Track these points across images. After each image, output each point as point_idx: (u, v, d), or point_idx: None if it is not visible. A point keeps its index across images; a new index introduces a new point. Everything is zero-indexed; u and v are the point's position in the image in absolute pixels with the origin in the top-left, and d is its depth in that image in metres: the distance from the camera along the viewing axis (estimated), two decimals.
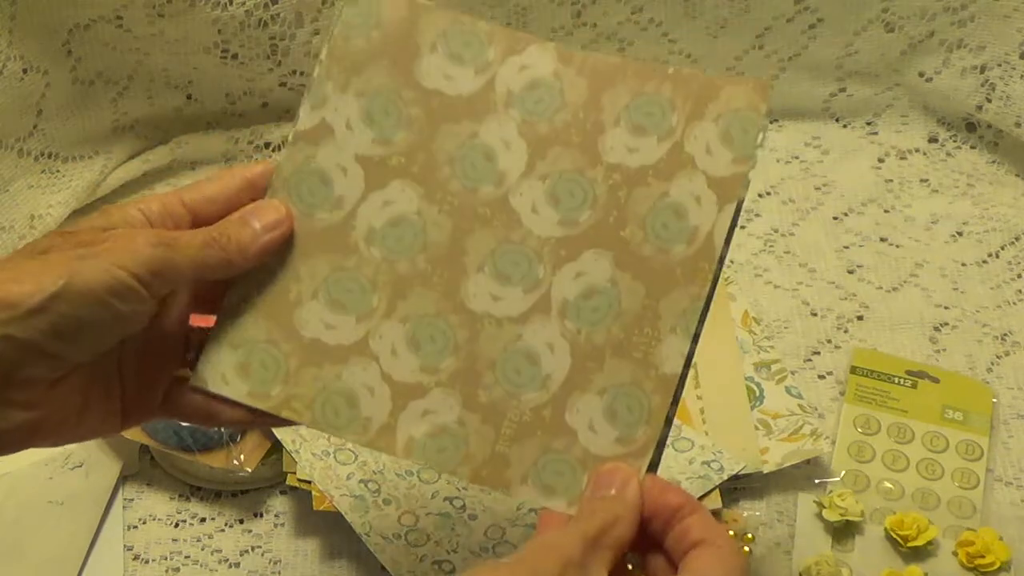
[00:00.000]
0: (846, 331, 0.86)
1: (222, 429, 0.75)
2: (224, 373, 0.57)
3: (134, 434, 0.75)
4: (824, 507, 0.74)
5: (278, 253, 0.57)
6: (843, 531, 0.74)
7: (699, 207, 0.58)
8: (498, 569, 0.49)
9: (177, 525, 0.75)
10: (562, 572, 0.49)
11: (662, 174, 0.58)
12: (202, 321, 0.58)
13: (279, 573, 0.73)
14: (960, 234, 0.92)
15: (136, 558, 0.74)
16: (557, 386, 0.57)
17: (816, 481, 0.77)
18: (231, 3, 0.87)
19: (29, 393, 0.50)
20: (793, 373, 0.82)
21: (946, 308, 0.87)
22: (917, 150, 0.98)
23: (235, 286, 0.57)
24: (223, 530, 0.75)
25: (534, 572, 0.49)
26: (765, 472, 0.76)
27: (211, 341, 0.57)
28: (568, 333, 0.57)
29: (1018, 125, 0.93)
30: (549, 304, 0.57)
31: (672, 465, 0.74)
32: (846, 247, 0.91)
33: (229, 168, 0.59)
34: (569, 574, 0.49)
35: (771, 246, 0.91)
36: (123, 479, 0.77)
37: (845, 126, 0.99)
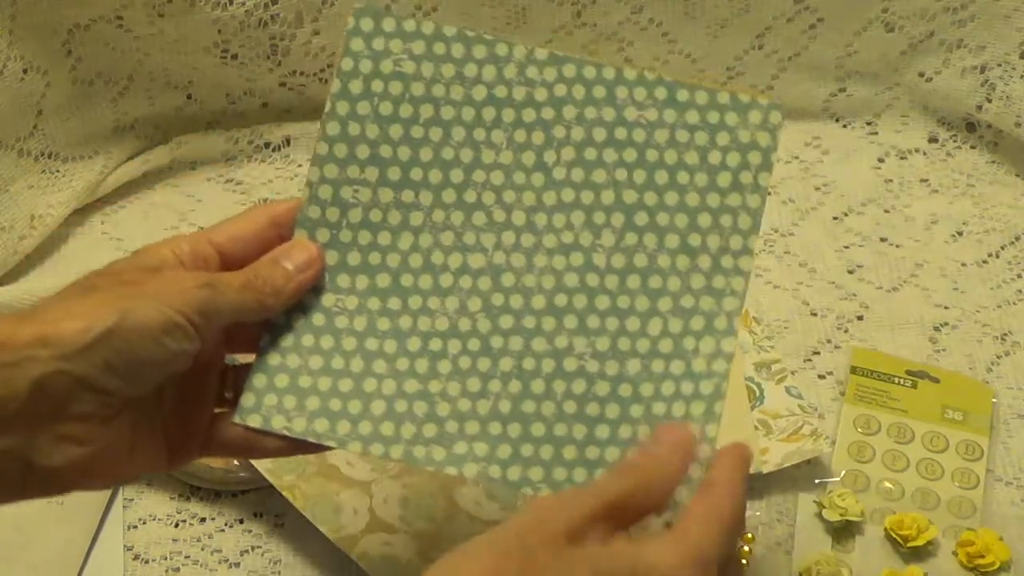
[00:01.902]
0: (846, 331, 0.86)
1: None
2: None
3: None
4: (824, 507, 0.74)
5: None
6: (843, 531, 0.74)
7: None
8: (477, 551, 0.49)
9: (177, 525, 0.75)
10: (553, 543, 0.48)
11: None
12: (240, 358, 0.59)
13: (279, 573, 0.73)
14: (960, 234, 0.92)
15: (136, 558, 0.74)
16: None
17: (816, 481, 0.77)
18: (231, 3, 0.87)
19: (81, 429, 0.51)
20: (793, 373, 0.82)
21: (946, 308, 0.87)
22: (917, 150, 0.98)
23: (273, 325, 0.58)
24: (223, 530, 0.75)
25: (521, 545, 0.49)
26: (765, 472, 0.76)
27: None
28: None
29: (1018, 125, 0.93)
30: None
31: None
32: (846, 247, 0.91)
33: (254, 206, 0.60)
34: (559, 546, 0.48)
35: (771, 246, 0.91)
36: None
37: (845, 126, 0.99)
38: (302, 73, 0.93)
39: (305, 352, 0.58)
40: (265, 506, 0.76)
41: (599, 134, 0.59)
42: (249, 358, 0.59)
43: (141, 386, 0.53)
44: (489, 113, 0.59)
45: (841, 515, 0.74)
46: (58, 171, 0.90)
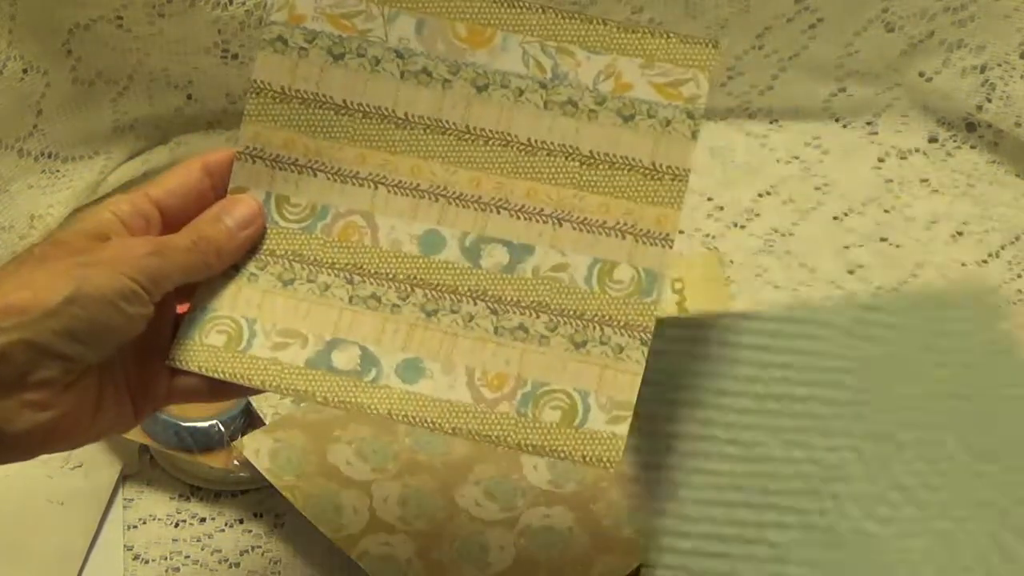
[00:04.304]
0: None
1: (221, 429, 0.75)
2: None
3: (134, 434, 0.75)
4: None
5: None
6: None
7: None
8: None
9: (177, 525, 0.75)
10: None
11: None
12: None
13: (279, 573, 0.73)
14: (960, 234, 0.92)
15: (136, 558, 0.74)
16: None
17: None
18: (231, 3, 0.87)
19: (44, 394, 0.52)
20: None
21: None
22: (917, 150, 0.98)
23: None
24: (223, 530, 0.75)
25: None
26: None
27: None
28: None
29: (1018, 125, 0.93)
30: None
31: None
32: (846, 247, 0.91)
33: (191, 158, 0.60)
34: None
35: (771, 246, 0.91)
36: (123, 479, 0.77)
37: (845, 126, 0.99)
38: None
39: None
40: (265, 506, 0.76)
41: None
42: None
43: (101, 351, 0.54)
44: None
45: None
46: (58, 171, 0.90)
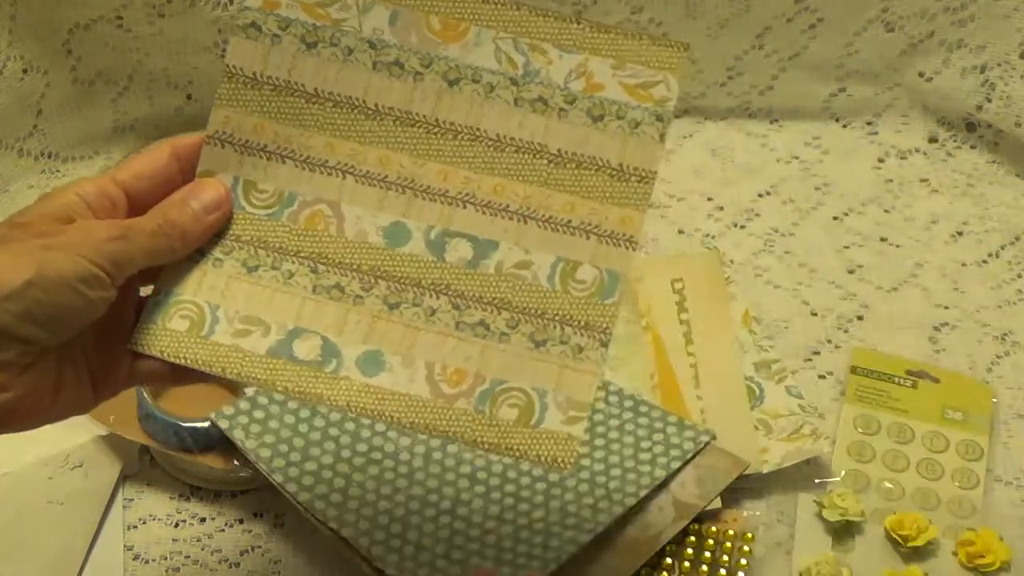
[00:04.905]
0: (846, 331, 0.86)
1: (221, 427, 0.75)
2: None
3: (134, 434, 0.75)
4: (824, 507, 0.74)
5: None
6: (843, 531, 0.74)
7: None
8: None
9: (177, 525, 0.75)
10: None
11: None
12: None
13: (279, 573, 0.73)
14: (960, 234, 0.92)
15: (136, 558, 0.74)
16: None
17: (816, 481, 0.77)
18: (231, 3, 0.87)
19: (2, 376, 0.52)
20: (793, 373, 0.82)
21: (946, 308, 0.87)
22: (917, 150, 0.98)
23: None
24: (223, 530, 0.75)
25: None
26: (765, 472, 0.76)
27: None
28: None
29: (1018, 125, 0.93)
30: None
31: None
32: (846, 247, 0.91)
33: (160, 141, 0.60)
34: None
35: (771, 246, 0.91)
36: (123, 479, 0.77)
37: (845, 126, 0.99)
38: None
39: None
40: (265, 506, 0.76)
41: None
42: None
43: (61, 334, 0.53)
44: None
45: (841, 515, 0.73)
46: (58, 171, 0.90)
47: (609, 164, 0.57)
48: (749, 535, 0.73)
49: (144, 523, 0.75)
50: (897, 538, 0.73)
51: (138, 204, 0.57)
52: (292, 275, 0.58)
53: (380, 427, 0.75)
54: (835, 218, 0.93)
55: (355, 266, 0.58)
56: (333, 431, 0.74)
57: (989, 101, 0.95)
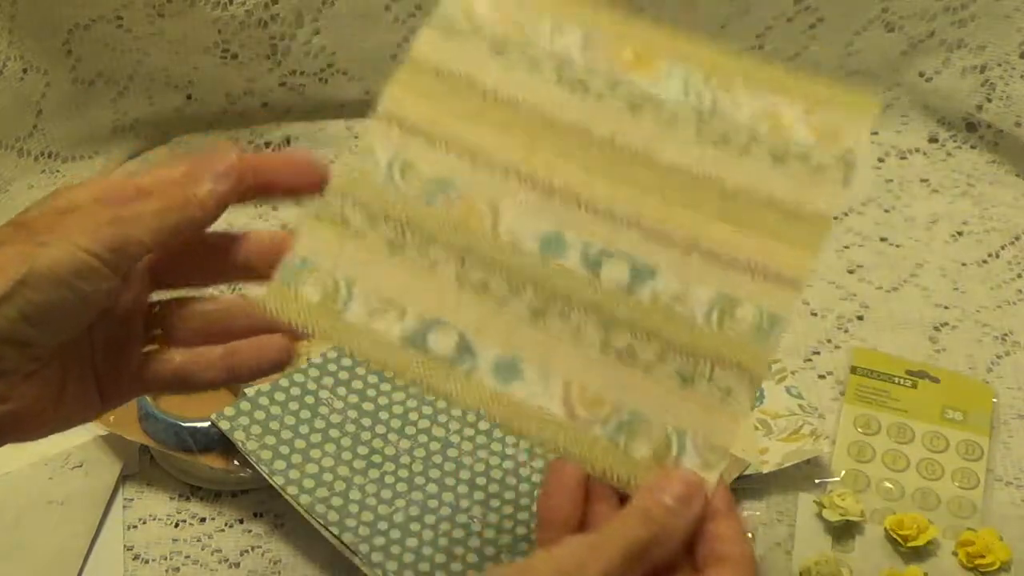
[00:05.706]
0: (846, 331, 0.86)
1: (222, 428, 0.75)
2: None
3: (134, 434, 0.75)
4: (824, 507, 0.74)
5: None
6: (843, 531, 0.74)
7: None
8: None
9: (177, 525, 0.75)
10: None
11: None
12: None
13: (279, 573, 0.73)
14: (960, 234, 0.92)
15: (136, 558, 0.74)
16: None
17: (816, 481, 0.77)
18: (231, 3, 0.87)
19: (2, 386, 0.50)
20: (793, 373, 0.82)
21: (946, 308, 0.87)
22: (917, 150, 0.98)
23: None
24: (223, 530, 0.75)
25: None
26: (765, 472, 0.76)
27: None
28: None
29: (1018, 125, 0.93)
30: None
31: None
32: (846, 247, 0.91)
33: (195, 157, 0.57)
34: None
35: None
36: (123, 479, 0.77)
37: None
38: (302, 73, 0.92)
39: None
40: (265, 506, 0.76)
41: None
42: (174, 294, 0.57)
43: (61, 333, 0.51)
44: None
45: (841, 515, 0.74)
46: (58, 171, 0.90)
47: (784, 204, 0.55)
48: (749, 535, 0.73)
49: (144, 523, 0.75)
50: (897, 538, 0.73)
51: None
52: (436, 263, 0.55)
53: (380, 430, 0.75)
54: (835, 218, 0.93)
55: (505, 267, 0.55)
56: (334, 433, 0.74)
57: (989, 101, 0.95)
